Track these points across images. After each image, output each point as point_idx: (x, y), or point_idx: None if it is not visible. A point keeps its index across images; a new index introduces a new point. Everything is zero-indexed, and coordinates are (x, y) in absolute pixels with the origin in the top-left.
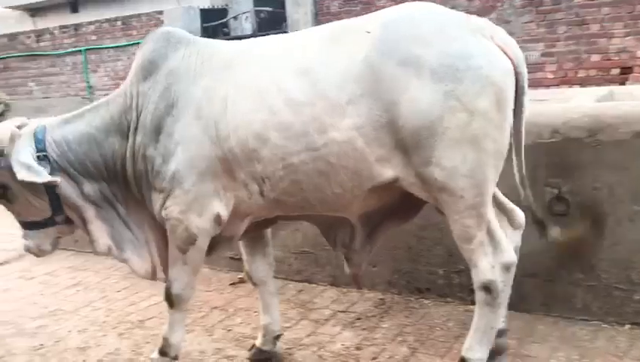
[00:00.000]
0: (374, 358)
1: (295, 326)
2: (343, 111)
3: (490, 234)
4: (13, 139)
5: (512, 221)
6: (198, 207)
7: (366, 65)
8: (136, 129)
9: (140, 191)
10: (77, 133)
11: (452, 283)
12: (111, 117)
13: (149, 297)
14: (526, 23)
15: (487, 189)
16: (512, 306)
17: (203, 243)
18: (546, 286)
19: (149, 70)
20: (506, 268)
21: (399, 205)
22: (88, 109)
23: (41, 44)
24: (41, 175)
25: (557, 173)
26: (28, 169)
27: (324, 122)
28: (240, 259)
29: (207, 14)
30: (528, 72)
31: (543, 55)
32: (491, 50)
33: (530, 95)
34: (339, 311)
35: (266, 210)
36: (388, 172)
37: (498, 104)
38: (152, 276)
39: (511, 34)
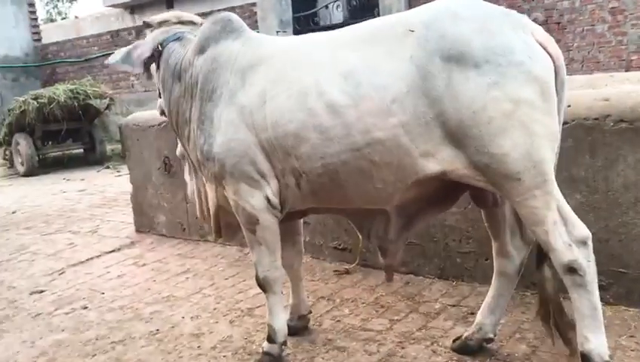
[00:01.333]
0: (492, 356)
1: (404, 319)
2: (388, 110)
3: (560, 212)
4: (159, 25)
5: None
6: (247, 188)
7: (412, 65)
8: (192, 101)
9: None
10: (176, 55)
11: None
12: (182, 63)
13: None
14: None
15: (546, 169)
16: None
17: (267, 221)
18: None
19: (202, 47)
20: (582, 242)
21: (437, 194)
22: (192, 42)
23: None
24: (121, 60)
25: None
26: (119, 53)
27: (368, 123)
28: (343, 249)
29: (298, 4)
30: None
31: None
32: (532, 45)
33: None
34: (449, 305)
35: (301, 202)
36: (433, 167)
37: (542, 95)
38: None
39: (621, 11)
